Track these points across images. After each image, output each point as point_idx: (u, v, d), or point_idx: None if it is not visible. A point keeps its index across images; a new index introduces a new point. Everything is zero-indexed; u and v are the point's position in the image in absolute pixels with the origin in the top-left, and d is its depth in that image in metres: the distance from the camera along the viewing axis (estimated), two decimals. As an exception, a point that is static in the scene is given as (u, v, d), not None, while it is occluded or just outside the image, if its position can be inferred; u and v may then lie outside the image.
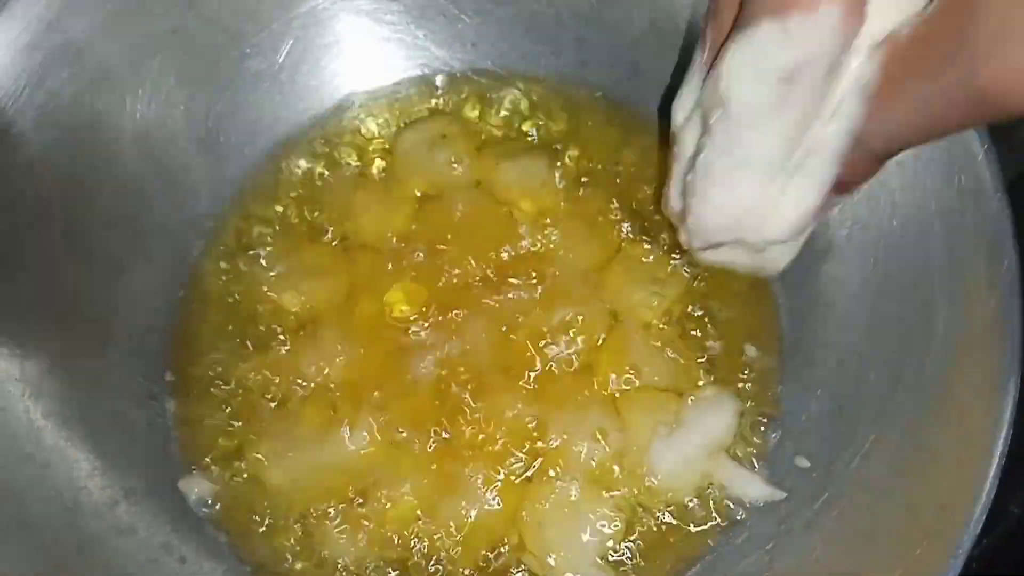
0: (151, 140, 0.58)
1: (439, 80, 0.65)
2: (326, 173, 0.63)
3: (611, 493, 0.54)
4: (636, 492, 0.54)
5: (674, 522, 0.54)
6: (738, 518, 0.54)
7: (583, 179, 0.62)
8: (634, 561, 0.54)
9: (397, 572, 0.54)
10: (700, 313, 0.59)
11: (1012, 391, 0.44)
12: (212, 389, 0.58)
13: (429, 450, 0.55)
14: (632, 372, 0.57)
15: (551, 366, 0.57)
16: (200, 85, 0.60)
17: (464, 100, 0.65)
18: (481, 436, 0.55)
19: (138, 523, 0.53)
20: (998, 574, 0.58)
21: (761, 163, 0.39)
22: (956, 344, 0.47)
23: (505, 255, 0.60)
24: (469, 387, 0.56)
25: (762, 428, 0.56)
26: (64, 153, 0.54)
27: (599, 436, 0.55)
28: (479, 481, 0.54)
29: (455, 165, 0.62)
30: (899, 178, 0.52)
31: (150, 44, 0.57)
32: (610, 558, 0.54)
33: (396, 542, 0.54)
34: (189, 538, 0.55)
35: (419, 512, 0.54)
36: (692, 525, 0.54)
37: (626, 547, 0.54)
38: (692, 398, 0.56)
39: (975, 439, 0.44)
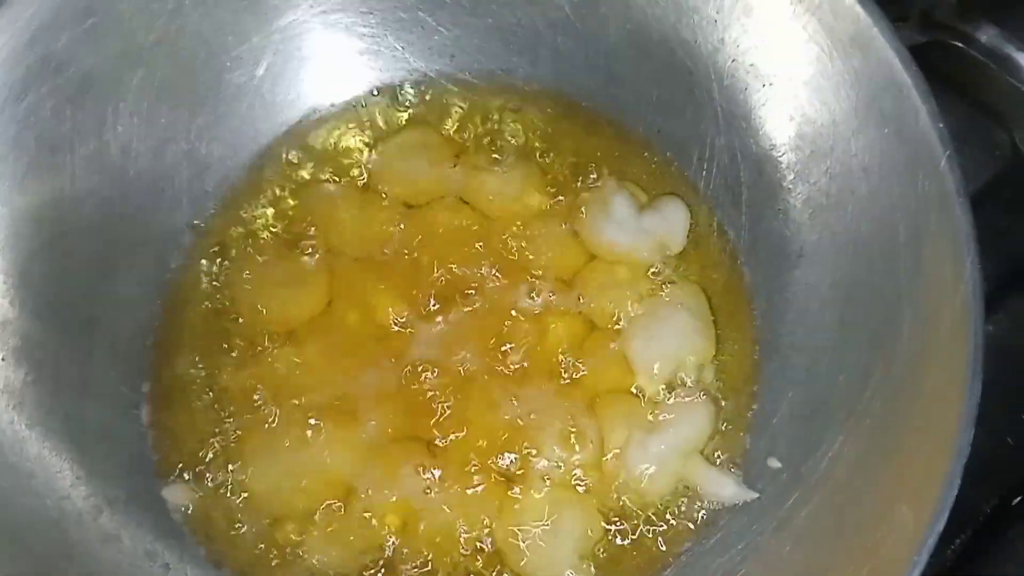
0: (133, 152, 0.59)
1: (418, 91, 0.66)
2: (306, 184, 0.64)
3: (588, 496, 0.55)
4: (612, 495, 0.55)
5: (649, 524, 0.55)
6: (711, 519, 0.55)
7: (560, 187, 0.63)
8: (610, 562, 0.55)
9: (378, 576, 0.54)
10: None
11: (975, 391, 0.44)
12: (194, 398, 0.58)
13: (410, 456, 0.56)
14: (610, 376, 0.58)
15: (531, 372, 0.58)
16: (181, 98, 0.60)
17: (443, 110, 0.65)
18: (462, 442, 0.56)
19: (122, 531, 0.54)
20: (972, 573, 0.59)
21: None
22: (921, 346, 0.48)
23: (485, 263, 0.60)
24: (450, 394, 0.57)
25: (735, 431, 0.57)
26: (46, 165, 0.54)
27: (577, 440, 0.56)
28: (459, 486, 0.55)
29: (434, 175, 0.63)
30: (866, 186, 0.53)
31: (132, 57, 0.57)
32: (586, 560, 0.54)
33: (377, 547, 0.55)
34: (172, 545, 0.55)
35: (400, 517, 0.55)
36: (666, 527, 0.55)
37: (602, 549, 0.55)
38: (667, 402, 0.57)
39: (940, 438, 0.45)
